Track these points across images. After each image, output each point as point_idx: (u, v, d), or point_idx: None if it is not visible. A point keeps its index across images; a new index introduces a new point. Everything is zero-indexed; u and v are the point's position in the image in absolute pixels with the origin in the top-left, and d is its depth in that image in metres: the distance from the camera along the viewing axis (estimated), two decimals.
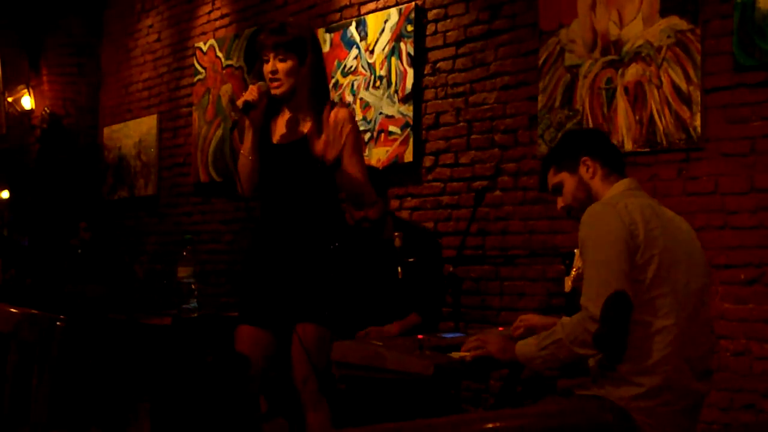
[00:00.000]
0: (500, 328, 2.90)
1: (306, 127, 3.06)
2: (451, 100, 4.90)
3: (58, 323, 1.93)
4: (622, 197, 2.48)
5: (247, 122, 3.01)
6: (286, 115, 3.10)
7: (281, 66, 3.02)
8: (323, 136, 3.02)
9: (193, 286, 4.00)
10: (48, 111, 8.10)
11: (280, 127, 3.10)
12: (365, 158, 5.23)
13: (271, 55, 3.02)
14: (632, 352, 2.34)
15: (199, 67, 6.84)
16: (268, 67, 3.03)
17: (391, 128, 5.16)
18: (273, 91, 3.02)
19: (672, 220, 2.50)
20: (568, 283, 3.26)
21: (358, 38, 5.41)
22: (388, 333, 3.65)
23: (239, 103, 2.98)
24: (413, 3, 5.07)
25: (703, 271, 2.51)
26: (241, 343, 3.13)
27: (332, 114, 3.04)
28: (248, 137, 3.04)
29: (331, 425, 3.04)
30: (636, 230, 2.36)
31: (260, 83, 3.02)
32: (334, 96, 5.47)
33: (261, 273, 3.10)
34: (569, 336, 2.37)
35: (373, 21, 5.32)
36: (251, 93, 2.98)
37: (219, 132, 6.58)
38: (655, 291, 2.35)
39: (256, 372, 3.14)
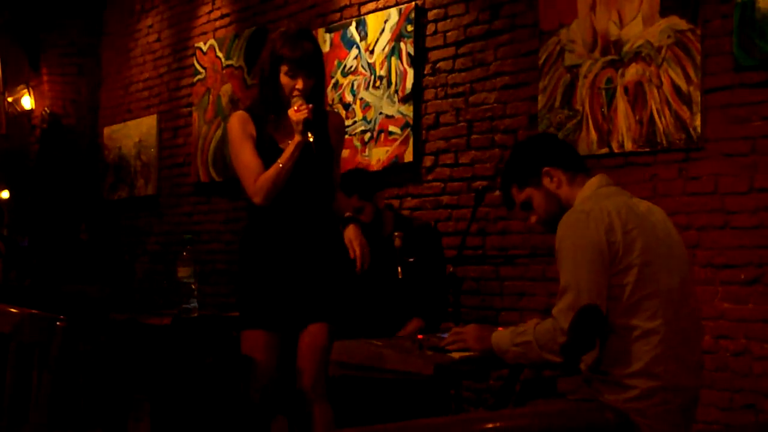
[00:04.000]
0: (500, 329, 2.90)
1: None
2: (451, 100, 4.90)
3: (58, 323, 1.93)
4: (596, 199, 2.45)
5: (301, 138, 2.99)
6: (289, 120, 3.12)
7: (310, 83, 3.05)
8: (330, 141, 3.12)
9: (193, 286, 4.00)
10: (48, 111, 8.11)
11: (285, 133, 3.10)
12: (365, 158, 5.26)
13: (303, 73, 3.03)
14: (623, 355, 2.34)
15: (199, 67, 6.84)
16: (295, 83, 3.03)
17: (391, 128, 5.16)
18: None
19: (648, 214, 2.47)
20: None
21: (358, 38, 5.41)
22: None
23: (298, 119, 2.96)
24: (413, 3, 5.07)
25: (683, 261, 2.50)
26: (255, 350, 3.12)
27: (333, 120, 3.16)
28: (296, 154, 3.00)
29: (334, 423, 3.06)
30: (613, 236, 2.35)
31: (300, 101, 3.01)
32: (334, 96, 5.48)
33: (272, 276, 3.10)
34: (539, 341, 2.40)
35: (373, 21, 5.32)
36: (309, 112, 2.97)
37: (219, 132, 6.58)
38: (639, 293, 2.35)
39: (271, 376, 3.13)
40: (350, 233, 3.05)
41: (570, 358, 2.36)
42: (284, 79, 3.04)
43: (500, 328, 2.64)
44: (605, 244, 2.34)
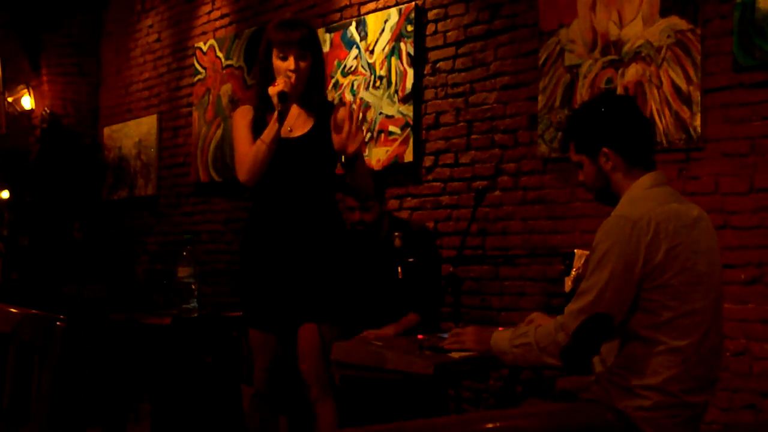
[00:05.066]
0: (500, 329, 2.91)
1: (311, 121, 3.09)
2: (451, 100, 4.90)
3: (58, 323, 1.92)
4: (645, 203, 2.36)
5: (276, 113, 3.00)
6: (293, 110, 3.12)
7: (302, 64, 3.05)
8: (336, 132, 3.06)
9: (193, 286, 4.01)
10: (48, 111, 8.10)
11: (287, 122, 3.11)
12: (365, 158, 5.25)
13: (293, 53, 3.03)
14: (641, 365, 2.31)
15: (199, 67, 6.84)
16: (287, 65, 3.04)
17: (391, 128, 5.16)
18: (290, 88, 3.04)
19: (695, 225, 2.38)
20: (568, 283, 3.27)
21: (358, 38, 5.41)
22: (385, 335, 3.65)
23: (274, 92, 2.98)
24: (413, 3, 5.07)
25: (720, 277, 2.43)
26: (256, 348, 3.14)
27: (341, 112, 3.10)
28: (274, 127, 3.01)
29: (337, 420, 3.06)
30: (654, 253, 2.27)
31: (286, 77, 3.02)
32: (335, 96, 5.48)
33: (272, 274, 3.10)
34: (539, 342, 2.37)
35: (373, 21, 5.32)
36: (286, 84, 2.99)
37: (219, 132, 6.58)
38: (672, 313, 2.29)
39: (271, 374, 3.15)
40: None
41: (568, 362, 2.34)
42: (277, 62, 3.06)
43: (500, 329, 2.63)
44: (642, 260, 2.27)
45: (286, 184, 3.07)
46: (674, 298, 2.29)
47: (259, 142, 3.02)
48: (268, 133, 3.01)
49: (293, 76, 3.02)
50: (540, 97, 4.42)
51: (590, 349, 2.32)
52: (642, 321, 2.31)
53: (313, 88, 3.09)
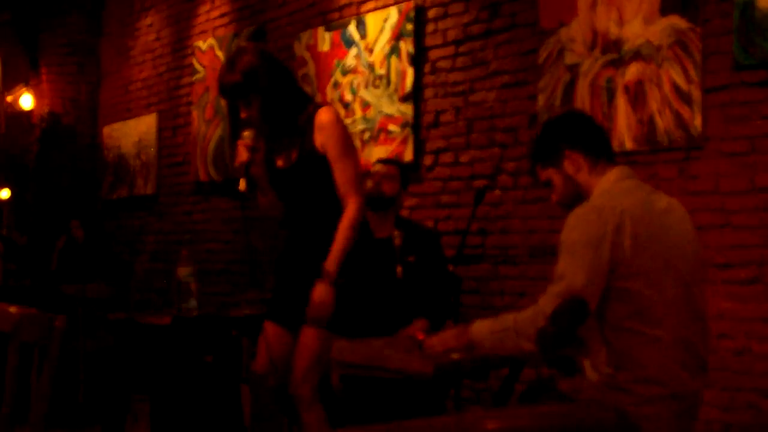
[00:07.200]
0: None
1: (296, 143, 3.07)
2: (450, 99, 4.90)
3: (57, 323, 1.92)
4: (613, 195, 2.39)
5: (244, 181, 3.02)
6: (277, 138, 3.13)
7: (252, 111, 3.01)
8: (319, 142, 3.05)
9: (192, 286, 4.01)
10: (48, 111, 8.10)
11: (275, 149, 3.15)
12: (365, 157, 5.23)
13: (239, 104, 3.02)
14: (629, 361, 2.32)
15: (198, 66, 6.83)
16: (242, 114, 3.04)
17: (391, 127, 5.16)
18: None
19: (665, 213, 2.41)
20: None
21: (357, 37, 5.40)
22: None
23: (237, 166, 2.99)
24: (413, 2, 5.07)
25: (696, 264, 2.44)
26: (264, 339, 3.21)
27: (317, 118, 3.04)
28: (260, 186, 3.12)
29: (325, 426, 3.06)
30: (621, 238, 2.29)
31: (245, 136, 3.00)
32: (334, 95, 5.47)
33: (282, 278, 3.21)
34: (518, 327, 2.36)
35: (372, 20, 5.32)
36: (241, 155, 2.98)
37: (218, 131, 6.58)
38: (647, 301, 2.31)
39: (273, 365, 3.17)
40: (312, 293, 2.98)
41: (545, 347, 2.32)
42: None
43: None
44: (610, 244, 2.29)
45: (295, 205, 3.16)
46: (647, 285, 2.30)
47: (259, 198, 3.19)
48: (261, 192, 3.16)
49: (247, 137, 2.99)
50: (540, 96, 4.41)
51: (566, 334, 2.31)
52: (623, 312, 2.32)
53: (279, 109, 3.03)
